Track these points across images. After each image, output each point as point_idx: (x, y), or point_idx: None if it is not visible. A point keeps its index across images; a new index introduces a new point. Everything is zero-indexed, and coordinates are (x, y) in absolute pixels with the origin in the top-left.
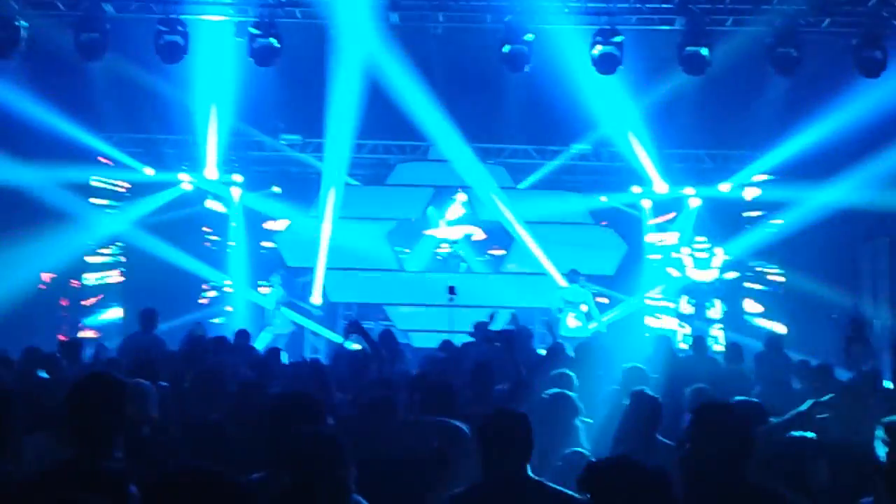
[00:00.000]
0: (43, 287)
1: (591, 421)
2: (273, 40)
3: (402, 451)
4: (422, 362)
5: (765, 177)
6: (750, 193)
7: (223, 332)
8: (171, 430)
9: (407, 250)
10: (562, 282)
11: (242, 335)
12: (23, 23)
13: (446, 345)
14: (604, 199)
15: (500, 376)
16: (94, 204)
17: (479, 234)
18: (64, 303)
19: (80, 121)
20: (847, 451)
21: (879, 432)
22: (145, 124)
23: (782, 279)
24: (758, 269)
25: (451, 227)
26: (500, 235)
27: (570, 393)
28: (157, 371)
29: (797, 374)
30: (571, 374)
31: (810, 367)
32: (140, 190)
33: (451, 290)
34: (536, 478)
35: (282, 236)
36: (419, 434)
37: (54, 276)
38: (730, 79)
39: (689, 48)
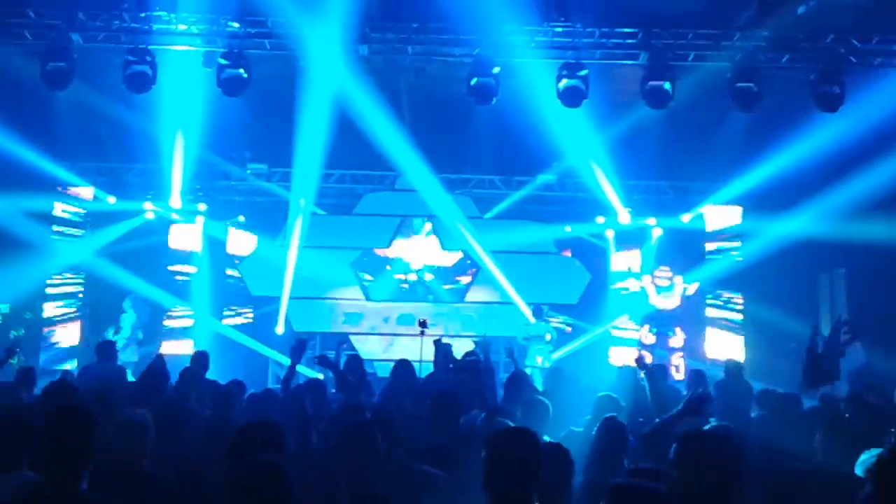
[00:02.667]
0: None
1: None
2: (241, 71)
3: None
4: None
5: (727, 208)
6: (711, 223)
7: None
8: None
9: (370, 278)
10: (526, 310)
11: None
12: None
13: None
14: (568, 228)
15: (466, 405)
16: (55, 232)
17: (449, 258)
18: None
19: (43, 149)
20: (831, 480)
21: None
22: (110, 153)
23: (741, 307)
24: (719, 297)
25: (419, 242)
26: (465, 264)
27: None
28: (114, 401)
29: (757, 402)
30: (546, 401)
31: (775, 394)
32: (103, 218)
33: (422, 324)
34: None
35: (246, 266)
36: (401, 478)
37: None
38: (691, 112)
39: (651, 82)
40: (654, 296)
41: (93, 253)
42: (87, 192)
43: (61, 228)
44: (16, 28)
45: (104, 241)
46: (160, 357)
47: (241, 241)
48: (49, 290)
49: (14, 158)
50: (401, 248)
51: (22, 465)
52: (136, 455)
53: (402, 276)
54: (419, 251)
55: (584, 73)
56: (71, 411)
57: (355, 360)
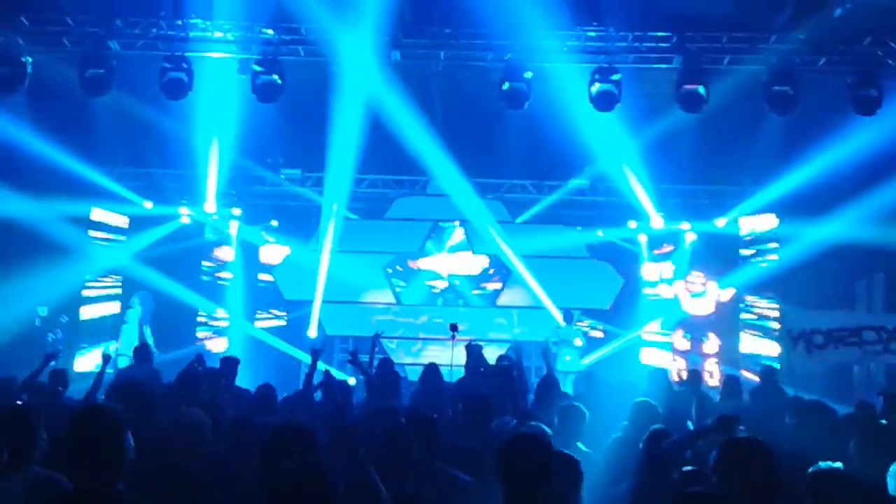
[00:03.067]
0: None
1: (589, 451)
2: (276, 77)
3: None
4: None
5: (767, 217)
6: (746, 228)
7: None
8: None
9: (402, 283)
10: (557, 315)
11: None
12: (28, 58)
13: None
14: (600, 233)
15: (498, 410)
16: (93, 237)
17: (475, 266)
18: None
19: (82, 155)
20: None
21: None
22: (147, 159)
23: (777, 314)
24: (753, 303)
25: (447, 257)
26: (497, 269)
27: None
28: (153, 403)
29: (788, 409)
30: (583, 407)
31: (804, 401)
32: (140, 223)
33: (454, 328)
34: None
35: (279, 270)
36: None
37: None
38: (726, 116)
39: (686, 86)
40: (686, 301)
41: (130, 257)
42: (124, 196)
43: (99, 233)
44: (55, 35)
45: (141, 246)
46: (200, 357)
47: (273, 252)
48: (86, 293)
49: (53, 163)
50: (430, 262)
51: (32, 461)
52: (191, 455)
53: (433, 282)
54: (449, 262)
55: (617, 77)
56: (99, 412)
57: (387, 364)
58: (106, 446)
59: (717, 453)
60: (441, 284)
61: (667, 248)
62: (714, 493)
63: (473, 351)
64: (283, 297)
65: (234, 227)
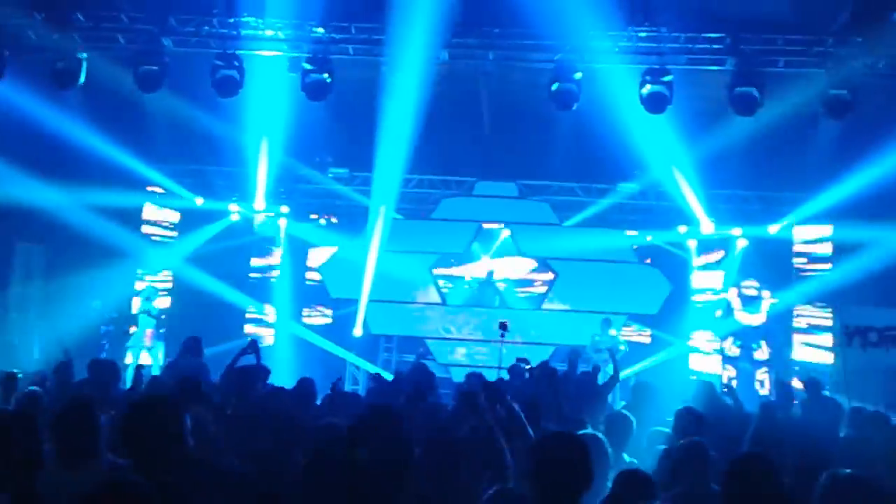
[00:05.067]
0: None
1: (635, 461)
2: (326, 76)
3: None
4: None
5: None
6: (800, 235)
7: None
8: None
9: (448, 284)
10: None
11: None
12: (83, 55)
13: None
14: (649, 238)
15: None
16: (145, 234)
17: (521, 269)
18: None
19: (134, 151)
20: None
21: None
22: (197, 156)
23: (830, 323)
24: (806, 311)
25: (493, 260)
26: (543, 272)
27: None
28: (204, 394)
29: (848, 421)
30: (630, 416)
31: (864, 412)
32: (190, 220)
33: (503, 327)
34: None
35: (326, 267)
36: None
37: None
38: (780, 120)
39: (739, 88)
40: (739, 311)
41: (181, 254)
42: (176, 192)
43: (151, 229)
44: (110, 32)
45: (192, 243)
46: (254, 343)
47: (322, 255)
48: (139, 288)
49: (106, 159)
50: (475, 267)
51: (99, 453)
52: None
53: (479, 284)
54: (495, 265)
55: (668, 78)
56: (152, 401)
57: (420, 369)
58: (154, 433)
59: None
60: (487, 287)
61: (717, 255)
62: None
63: (517, 369)
64: (329, 295)
65: (282, 225)
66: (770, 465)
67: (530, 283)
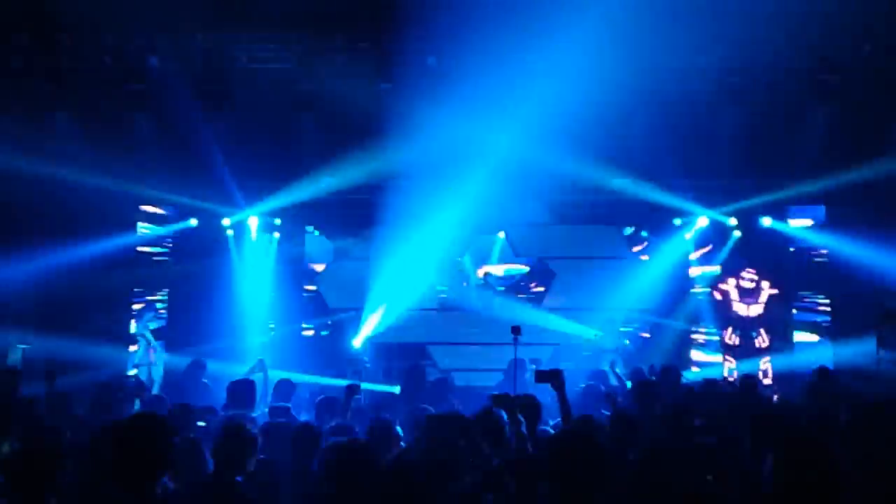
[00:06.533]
0: None
1: None
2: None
3: None
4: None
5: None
6: (795, 224)
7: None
8: None
9: (446, 288)
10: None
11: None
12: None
13: None
14: (644, 233)
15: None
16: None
17: (518, 270)
18: None
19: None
20: None
21: None
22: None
23: (829, 309)
24: (806, 300)
25: (493, 265)
26: (540, 272)
27: None
28: None
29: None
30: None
31: (865, 398)
32: (185, 237)
33: (516, 331)
34: None
35: (323, 278)
36: None
37: None
38: (771, 108)
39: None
40: (737, 302)
41: (174, 270)
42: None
43: (147, 249)
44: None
45: (185, 260)
46: (262, 363)
47: (317, 254)
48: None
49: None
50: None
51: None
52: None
53: (479, 286)
54: (493, 267)
55: None
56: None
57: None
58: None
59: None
60: (486, 289)
61: (711, 247)
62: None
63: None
64: (327, 306)
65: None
66: None
67: (528, 283)
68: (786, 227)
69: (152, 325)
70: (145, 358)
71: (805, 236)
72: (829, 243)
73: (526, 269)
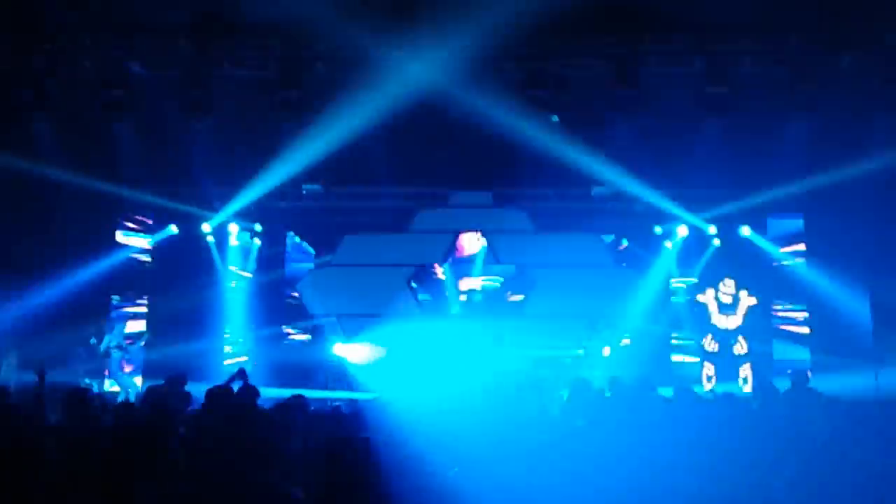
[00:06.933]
0: None
1: None
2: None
3: None
4: None
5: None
6: (774, 233)
7: None
8: None
9: (425, 295)
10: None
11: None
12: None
13: None
14: (625, 242)
15: None
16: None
17: (498, 278)
18: None
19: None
20: None
21: None
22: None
23: (806, 317)
24: (783, 307)
25: (473, 279)
26: (520, 280)
27: None
28: None
29: (825, 413)
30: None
31: (842, 404)
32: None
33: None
34: None
35: (303, 285)
36: None
37: None
38: (751, 118)
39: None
40: (716, 314)
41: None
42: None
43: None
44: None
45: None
46: (242, 372)
47: (300, 263)
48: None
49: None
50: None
51: None
52: None
53: (457, 294)
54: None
55: None
56: None
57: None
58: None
59: None
60: (462, 299)
61: (694, 254)
62: None
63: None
64: (308, 312)
65: (256, 242)
66: None
67: (508, 291)
68: (764, 236)
69: (125, 333)
70: (119, 369)
71: (783, 245)
72: (807, 252)
73: (500, 280)
